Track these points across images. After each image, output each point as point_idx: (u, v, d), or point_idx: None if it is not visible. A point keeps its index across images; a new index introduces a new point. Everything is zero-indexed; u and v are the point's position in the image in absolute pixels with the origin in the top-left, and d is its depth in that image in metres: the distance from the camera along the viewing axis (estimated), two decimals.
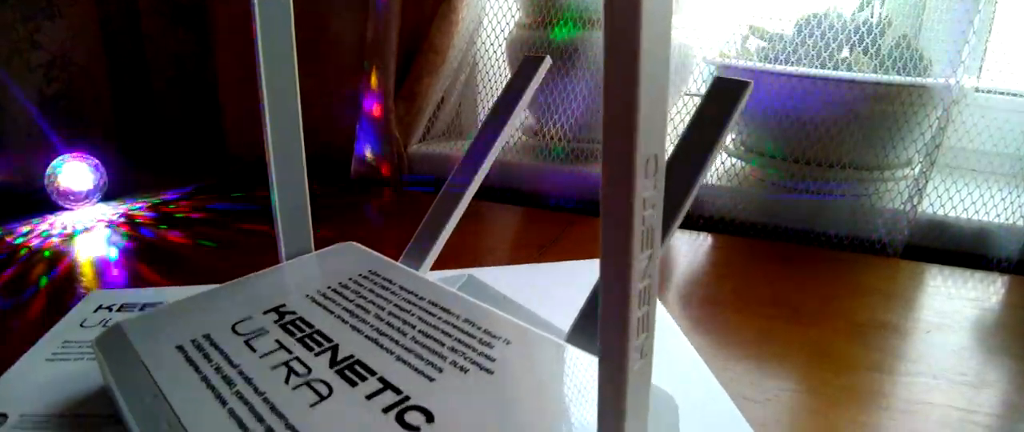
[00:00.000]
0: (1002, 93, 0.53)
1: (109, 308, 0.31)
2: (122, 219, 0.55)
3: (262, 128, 0.28)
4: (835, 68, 0.52)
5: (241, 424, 0.19)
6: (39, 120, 0.68)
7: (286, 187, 0.29)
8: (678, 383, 0.21)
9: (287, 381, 0.21)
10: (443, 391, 0.20)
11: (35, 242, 0.50)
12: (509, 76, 0.63)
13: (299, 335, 0.23)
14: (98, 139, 0.74)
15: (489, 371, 0.21)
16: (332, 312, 0.25)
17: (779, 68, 0.52)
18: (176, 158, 0.79)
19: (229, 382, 0.21)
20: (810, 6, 0.54)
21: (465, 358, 0.21)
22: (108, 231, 0.52)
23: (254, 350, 0.22)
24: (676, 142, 0.24)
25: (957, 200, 0.50)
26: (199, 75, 0.81)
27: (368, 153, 0.64)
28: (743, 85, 0.24)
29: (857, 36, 0.51)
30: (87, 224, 0.54)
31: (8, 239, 0.51)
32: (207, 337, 0.23)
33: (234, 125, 0.75)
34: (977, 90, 0.51)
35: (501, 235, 0.55)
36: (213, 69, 0.79)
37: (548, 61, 0.30)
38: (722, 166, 0.59)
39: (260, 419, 0.19)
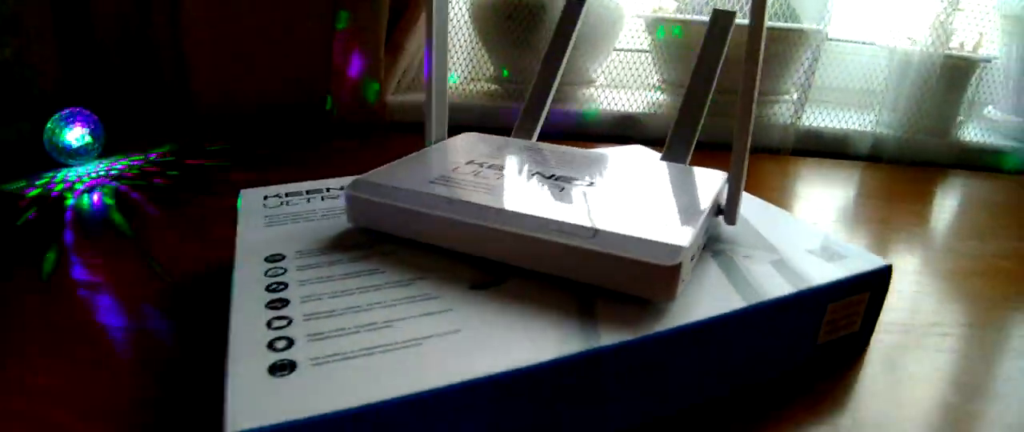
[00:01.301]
0: (850, 42, 0.74)
1: (276, 196, 0.37)
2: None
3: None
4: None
5: (528, 199, 0.28)
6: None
7: (437, 91, 0.37)
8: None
9: (528, 185, 0.30)
10: (631, 182, 0.31)
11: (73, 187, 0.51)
12: (473, 32, 0.74)
13: (505, 171, 0.32)
14: (51, 103, 0.72)
15: (645, 174, 0.33)
16: (510, 161, 0.34)
17: (696, 17, 0.69)
18: (133, 116, 0.77)
19: (491, 188, 0.29)
20: None
21: (627, 174, 0.33)
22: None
23: (484, 178, 0.31)
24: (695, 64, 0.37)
25: (825, 117, 0.70)
26: (143, 36, 0.80)
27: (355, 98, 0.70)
28: (731, 13, 0.38)
29: None
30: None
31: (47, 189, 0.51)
32: (442, 176, 0.32)
33: (204, 85, 0.75)
34: (829, 39, 0.71)
35: None
36: (154, 32, 0.78)
37: (586, 2, 0.42)
38: (650, 99, 0.74)
39: (535, 198, 0.28)
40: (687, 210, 0.27)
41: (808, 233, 0.33)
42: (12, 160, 0.58)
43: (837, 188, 0.58)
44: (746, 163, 0.29)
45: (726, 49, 0.38)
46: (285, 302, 0.24)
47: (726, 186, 0.31)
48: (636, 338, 0.23)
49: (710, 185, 0.31)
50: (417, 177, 0.31)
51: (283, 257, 0.29)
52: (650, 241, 0.24)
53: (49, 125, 0.57)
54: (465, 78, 0.76)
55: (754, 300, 0.25)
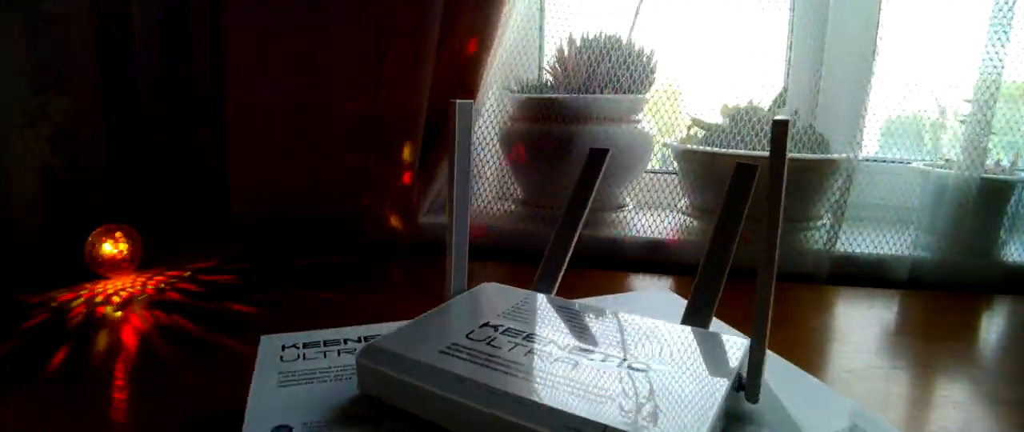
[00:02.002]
0: (883, 161, 0.73)
1: (294, 346, 0.37)
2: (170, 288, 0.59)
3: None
4: (764, 148, 0.69)
5: (539, 381, 0.27)
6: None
7: (457, 243, 0.37)
8: None
9: (540, 360, 0.29)
10: (645, 353, 0.30)
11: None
12: (501, 154, 0.75)
13: (520, 338, 0.32)
14: (98, 209, 0.75)
15: (658, 342, 0.31)
16: (527, 322, 0.34)
17: (722, 150, 0.69)
18: (174, 225, 0.80)
19: (503, 363, 0.29)
20: (736, 100, 0.71)
21: (641, 338, 0.32)
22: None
23: (498, 347, 0.31)
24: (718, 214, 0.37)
25: (860, 240, 0.68)
26: (188, 149, 0.84)
27: (393, 221, 0.71)
28: (753, 168, 0.37)
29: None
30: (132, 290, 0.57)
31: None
32: (454, 344, 0.31)
33: (240, 195, 0.77)
34: (864, 160, 0.70)
35: None
36: (203, 143, 0.82)
37: (610, 152, 0.42)
38: (680, 222, 0.73)
39: (546, 380, 0.27)
40: (702, 398, 0.26)
41: (837, 408, 0.30)
42: (56, 269, 0.60)
43: (874, 324, 0.55)
44: (767, 332, 0.28)
45: (747, 207, 0.37)
46: None
47: (747, 356, 0.29)
48: None
49: (731, 357, 0.30)
50: (429, 345, 0.30)
51: (290, 429, 0.29)
52: None
53: (90, 238, 0.59)
54: (492, 198, 0.77)
55: None
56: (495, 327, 0.33)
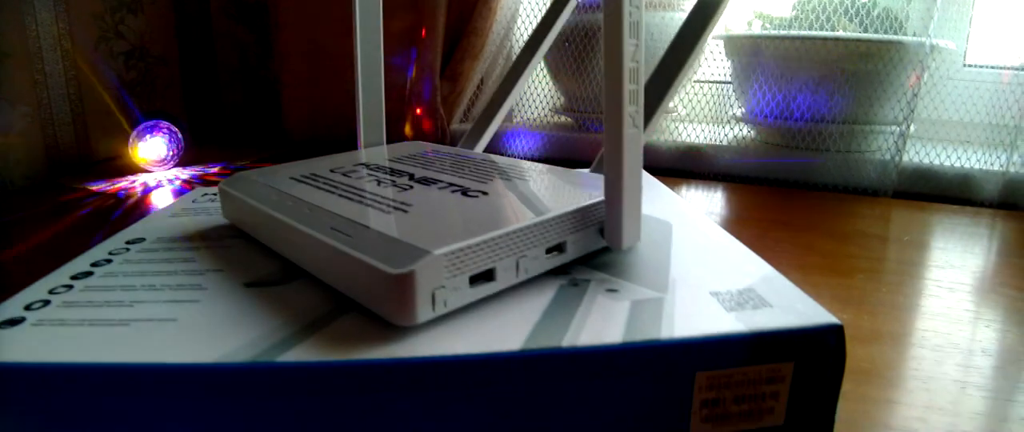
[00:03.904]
0: (981, 66, 0.58)
1: (214, 195, 0.37)
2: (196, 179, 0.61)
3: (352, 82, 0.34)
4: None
5: (365, 203, 0.24)
6: (126, 99, 0.74)
7: (368, 91, 0.35)
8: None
9: (381, 185, 0.26)
10: (495, 185, 0.25)
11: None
12: (543, 66, 0.70)
13: (384, 173, 0.28)
14: (170, 120, 0.81)
15: (524, 179, 0.26)
16: (407, 163, 0.30)
17: (776, 33, 0.58)
18: (238, 137, 0.85)
19: (344, 187, 0.26)
20: None
21: (507, 176, 0.27)
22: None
23: (346, 177, 0.28)
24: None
25: (940, 151, 0.55)
26: (260, 68, 0.89)
27: (408, 128, 0.70)
28: None
29: (842, 8, 0.56)
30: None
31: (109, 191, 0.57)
32: (313, 174, 0.28)
33: (290, 108, 0.81)
34: (965, 65, 0.56)
35: None
36: (271, 64, 0.86)
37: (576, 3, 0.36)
38: (730, 132, 0.64)
39: (384, 201, 0.24)
40: (498, 219, 0.21)
41: (740, 271, 0.23)
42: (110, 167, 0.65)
43: (955, 240, 0.43)
44: (632, 164, 0.22)
45: (714, 23, 0.29)
46: (89, 274, 0.24)
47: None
48: (320, 361, 0.17)
49: (584, 197, 0.24)
50: (287, 175, 0.28)
51: (142, 240, 0.28)
52: (400, 243, 0.19)
53: (132, 135, 0.63)
54: (544, 109, 0.72)
55: (540, 346, 0.18)
56: (368, 165, 0.30)
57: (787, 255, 0.38)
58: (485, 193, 0.24)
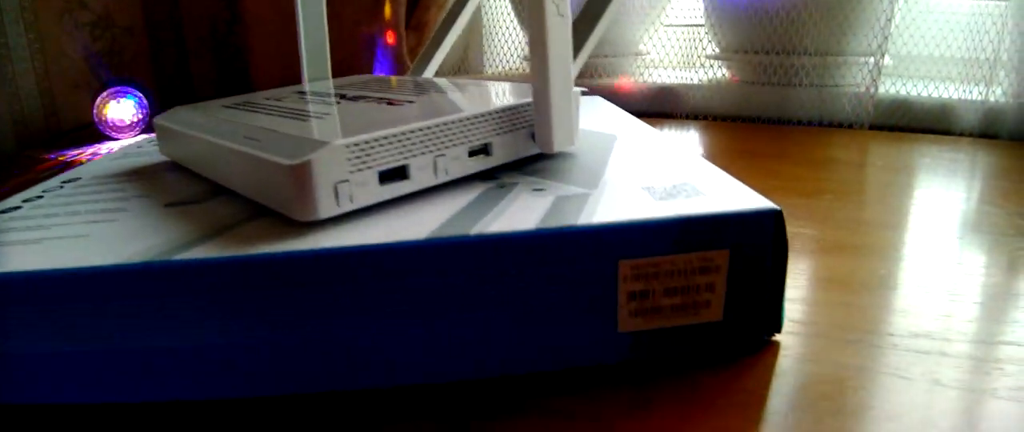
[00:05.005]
0: None
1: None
2: None
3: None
4: None
5: (285, 116, 0.23)
6: (93, 69, 0.73)
7: (309, 23, 0.33)
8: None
9: (310, 104, 0.25)
10: (426, 96, 0.24)
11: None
12: (512, 13, 0.68)
13: (318, 95, 0.27)
14: (138, 89, 0.80)
15: (460, 90, 0.25)
16: (344, 88, 0.29)
17: None
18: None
19: (270, 108, 0.25)
20: None
21: (441, 90, 0.26)
22: None
23: (278, 100, 0.27)
24: None
25: (916, 83, 0.54)
26: (229, 35, 0.87)
27: None
28: None
29: None
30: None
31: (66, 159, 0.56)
32: (247, 102, 0.27)
33: (259, 75, 0.79)
34: None
35: None
36: (239, 29, 0.84)
37: None
38: (704, 73, 0.62)
39: (305, 114, 0.23)
40: (412, 116, 0.20)
41: (681, 170, 0.22)
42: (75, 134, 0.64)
43: (931, 165, 0.42)
44: (559, 57, 0.20)
45: None
46: (17, 208, 0.23)
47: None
48: (214, 258, 0.16)
49: (516, 98, 0.23)
50: (220, 105, 0.27)
51: (78, 179, 0.27)
52: (303, 140, 0.18)
53: (98, 101, 0.61)
54: (515, 58, 0.71)
55: (447, 235, 0.17)
56: (304, 92, 0.29)
57: (749, 181, 0.37)
58: (411, 101, 0.23)
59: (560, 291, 0.17)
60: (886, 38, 0.51)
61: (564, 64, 0.21)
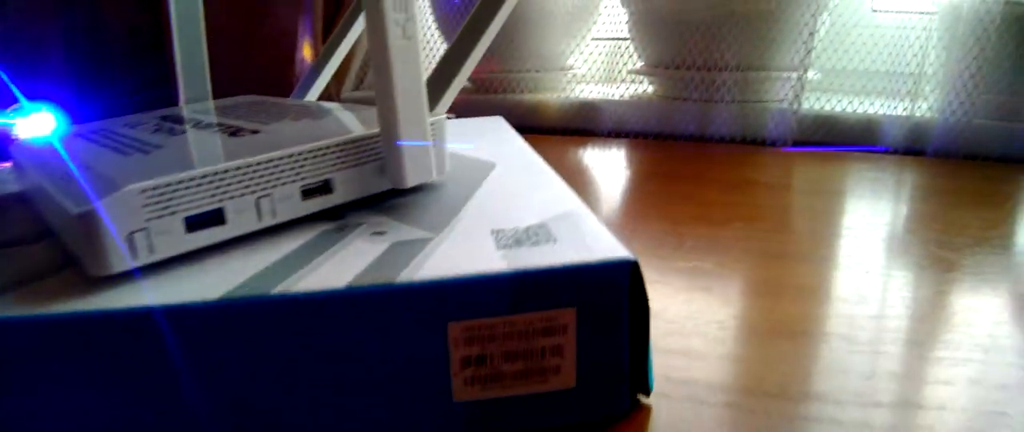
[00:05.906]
0: (887, 12, 0.57)
1: None
2: None
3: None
4: None
5: (113, 149, 0.21)
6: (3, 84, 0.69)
7: (185, 39, 0.31)
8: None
9: (154, 132, 0.23)
10: (275, 125, 0.22)
11: None
12: (435, 29, 0.66)
13: (173, 122, 0.25)
14: (55, 105, 0.76)
15: (316, 117, 0.23)
16: (207, 113, 0.27)
17: None
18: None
19: (112, 139, 0.23)
20: None
21: (300, 116, 0.24)
22: None
23: (134, 127, 0.25)
24: None
25: (841, 98, 0.54)
26: (154, 45, 0.83)
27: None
28: None
29: None
30: None
31: None
32: (103, 129, 0.25)
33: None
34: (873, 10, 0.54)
35: None
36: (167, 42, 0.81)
37: None
38: (628, 88, 0.62)
39: (136, 145, 0.21)
40: (229, 154, 0.18)
41: (544, 209, 0.21)
42: None
43: (852, 185, 0.41)
44: (407, 84, 0.19)
45: None
46: None
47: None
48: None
49: (363, 128, 0.21)
50: (76, 133, 0.25)
51: None
52: (98, 181, 0.16)
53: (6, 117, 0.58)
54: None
55: (242, 294, 0.15)
56: (167, 116, 0.27)
57: (658, 207, 0.36)
58: (255, 132, 0.21)
59: (381, 357, 0.16)
60: (809, 52, 0.51)
61: (413, 91, 0.19)
